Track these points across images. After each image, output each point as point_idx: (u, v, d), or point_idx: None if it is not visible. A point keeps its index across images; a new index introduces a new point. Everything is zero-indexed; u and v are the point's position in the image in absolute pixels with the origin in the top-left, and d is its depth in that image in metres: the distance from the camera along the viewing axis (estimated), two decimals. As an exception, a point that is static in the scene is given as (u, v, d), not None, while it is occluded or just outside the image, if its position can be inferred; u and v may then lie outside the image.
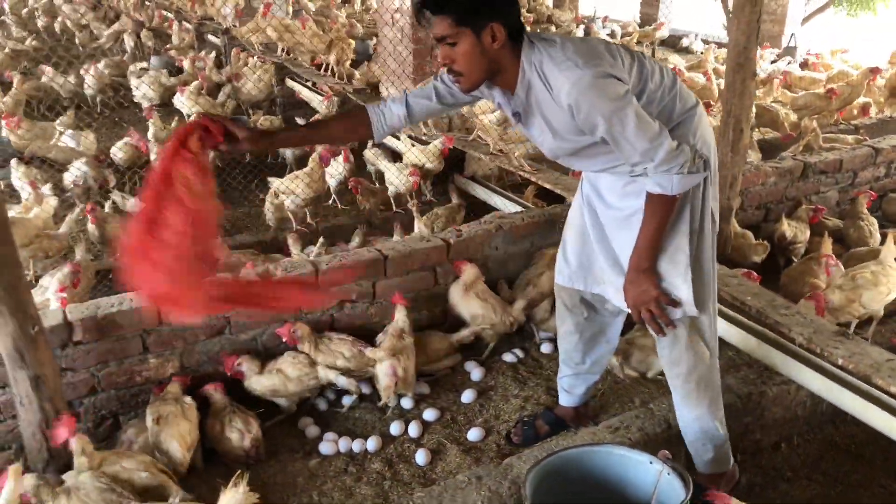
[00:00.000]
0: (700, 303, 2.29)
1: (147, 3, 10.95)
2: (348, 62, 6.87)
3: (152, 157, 5.20)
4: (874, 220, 4.42)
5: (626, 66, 2.08)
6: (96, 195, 4.92)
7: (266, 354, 3.09)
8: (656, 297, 2.25)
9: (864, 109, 6.34)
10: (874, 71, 6.18)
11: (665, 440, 2.66)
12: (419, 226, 4.05)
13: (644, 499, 2.29)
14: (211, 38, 9.40)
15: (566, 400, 2.91)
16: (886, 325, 3.71)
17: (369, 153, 5.47)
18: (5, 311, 2.33)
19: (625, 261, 2.33)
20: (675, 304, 2.27)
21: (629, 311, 2.38)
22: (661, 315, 2.27)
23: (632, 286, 2.28)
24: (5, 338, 2.37)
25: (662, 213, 2.17)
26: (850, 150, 4.92)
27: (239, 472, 2.23)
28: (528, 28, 2.16)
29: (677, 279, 2.26)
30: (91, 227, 4.27)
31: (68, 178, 5.00)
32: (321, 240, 3.98)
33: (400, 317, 3.17)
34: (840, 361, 2.52)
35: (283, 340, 3.03)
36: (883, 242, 3.77)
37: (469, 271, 3.37)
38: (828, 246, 3.89)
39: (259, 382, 2.98)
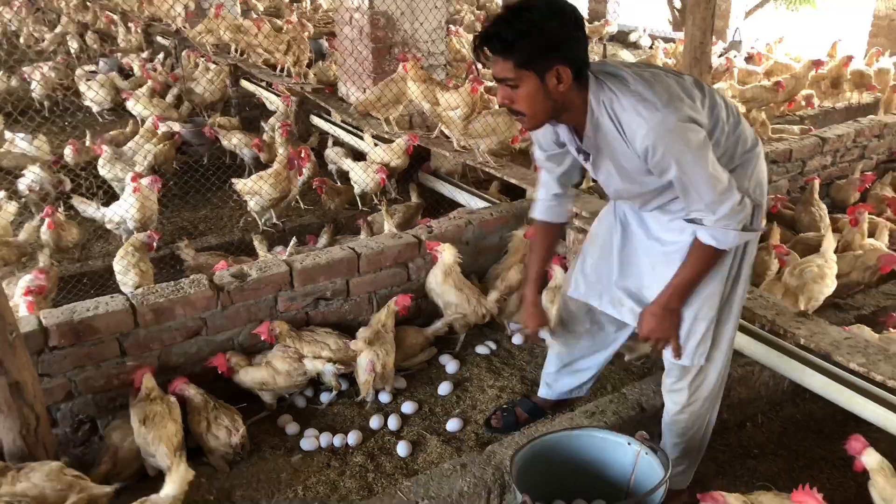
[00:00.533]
0: (714, 350, 2.33)
1: (89, 3, 10.69)
2: (306, 62, 6.84)
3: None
4: (824, 206, 4.61)
5: (699, 104, 2.01)
6: (52, 200, 4.82)
7: (244, 354, 3.08)
8: (670, 337, 2.29)
9: (808, 101, 6.57)
10: (817, 64, 6.36)
11: (638, 422, 2.75)
12: (388, 224, 4.08)
13: (624, 479, 2.38)
14: (160, 39, 9.25)
15: (545, 392, 2.95)
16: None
17: (330, 152, 5.44)
18: (-18, 318, 2.29)
19: (648, 293, 2.32)
20: (679, 353, 2.32)
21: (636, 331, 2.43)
22: (664, 350, 2.35)
23: (654, 319, 2.27)
24: (-17, 345, 2.33)
25: (706, 264, 2.15)
26: (799, 139, 5.12)
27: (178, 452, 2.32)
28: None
29: (693, 335, 2.29)
30: (46, 233, 4.11)
31: (23, 184, 4.88)
32: (293, 239, 3.99)
33: (383, 314, 3.21)
34: (802, 341, 2.64)
35: (262, 339, 3.04)
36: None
37: (447, 252, 3.37)
38: (776, 235, 4.03)
39: (248, 375, 3.00)
